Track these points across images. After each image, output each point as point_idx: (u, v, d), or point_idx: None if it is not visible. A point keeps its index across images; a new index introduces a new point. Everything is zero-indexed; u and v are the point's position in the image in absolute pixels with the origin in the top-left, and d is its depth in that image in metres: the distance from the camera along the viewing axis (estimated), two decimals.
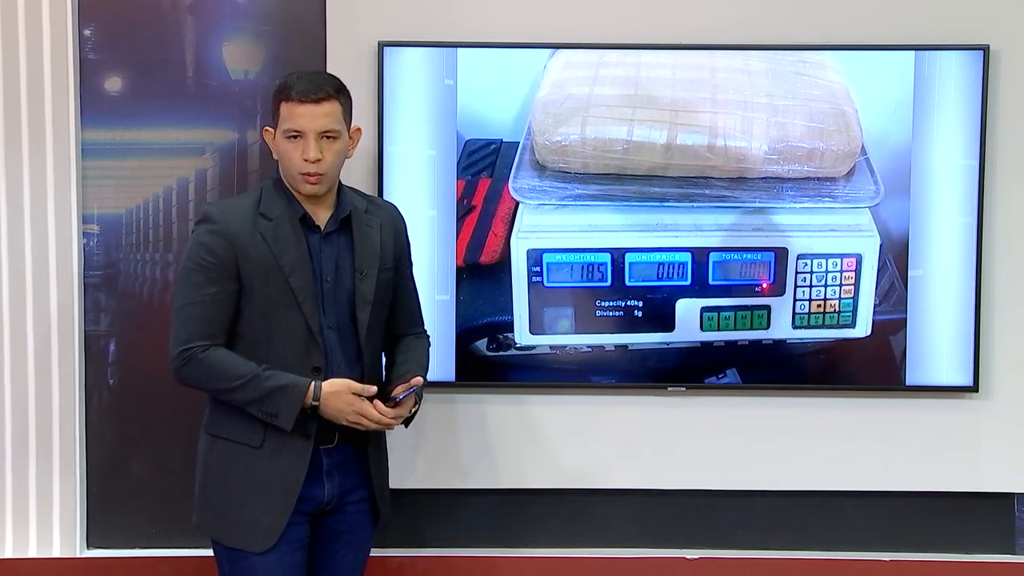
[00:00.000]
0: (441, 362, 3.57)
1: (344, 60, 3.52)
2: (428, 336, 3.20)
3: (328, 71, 3.53)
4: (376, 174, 3.52)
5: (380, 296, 3.00)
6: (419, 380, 2.97)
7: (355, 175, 3.50)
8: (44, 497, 3.61)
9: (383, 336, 3.07)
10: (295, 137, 2.88)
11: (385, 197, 3.51)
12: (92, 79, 3.60)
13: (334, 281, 2.95)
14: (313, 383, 2.86)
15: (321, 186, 2.91)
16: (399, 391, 2.93)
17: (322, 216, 2.96)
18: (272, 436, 2.89)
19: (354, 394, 2.86)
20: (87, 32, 3.60)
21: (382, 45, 3.51)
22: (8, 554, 3.61)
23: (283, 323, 2.88)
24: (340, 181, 3.00)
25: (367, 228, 3.00)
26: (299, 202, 2.94)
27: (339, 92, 2.91)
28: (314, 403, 2.84)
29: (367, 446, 3.03)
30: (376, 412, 2.85)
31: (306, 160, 2.87)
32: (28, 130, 3.55)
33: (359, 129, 3.01)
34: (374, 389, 2.87)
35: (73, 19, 3.56)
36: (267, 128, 2.98)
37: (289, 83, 2.90)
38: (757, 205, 3.55)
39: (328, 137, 2.89)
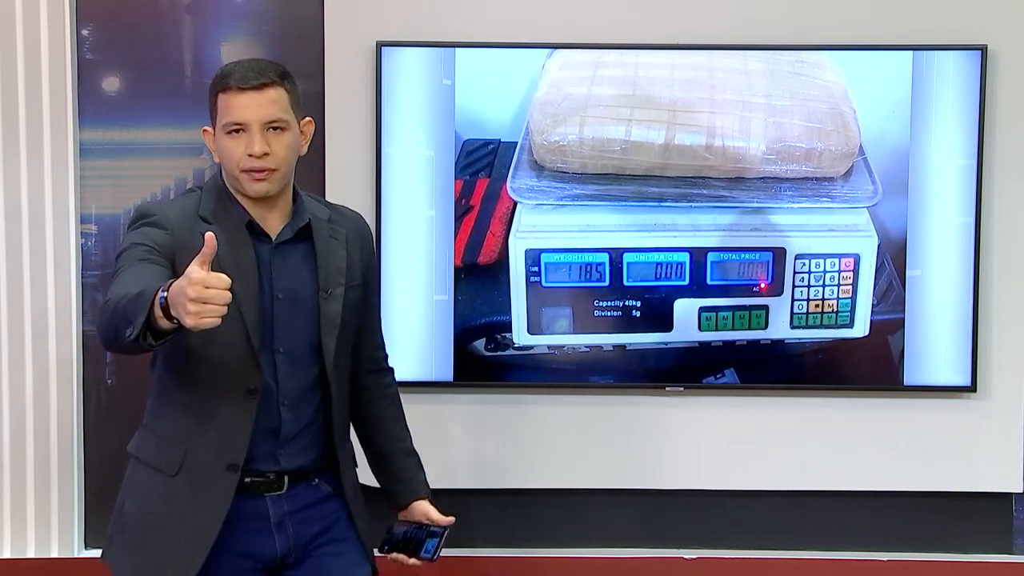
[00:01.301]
0: (439, 362, 3.56)
1: (342, 60, 3.52)
2: (393, 370, 2.82)
3: (327, 71, 3.54)
4: (374, 174, 3.51)
5: (347, 318, 2.60)
6: (451, 520, 2.65)
7: (354, 175, 3.50)
8: (42, 497, 3.61)
9: (348, 367, 2.67)
10: (237, 131, 2.47)
11: (383, 197, 3.51)
12: (90, 79, 3.60)
13: (289, 299, 2.53)
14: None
15: (271, 183, 2.50)
16: (432, 529, 2.61)
17: (273, 224, 2.55)
18: (191, 463, 2.49)
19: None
20: (85, 32, 3.59)
21: (380, 45, 3.50)
22: (6, 554, 3.60)
23: (220, 335, 2.32)
24: (296, 187, 2.60)
25: (331, 239, 2.61)
26: (244, 208, 2.54)
27: (283, 78, 2.52)
28: (163, 295, 2.18)
29: (333, 486, 2.62)
30: (220, 279, 2.15)
31: (251, 155, 2.47)
32: (26, 130, 3.55)
33: (310, 120, 2.61)
34: (225, 280, 2.16)
35: (71, 19, 3.56)
36: (206, 129, 2.57)
37: (225, 72, 2.51)
38: (755, 205, 3.56)
39: (275, 128, 2.49)
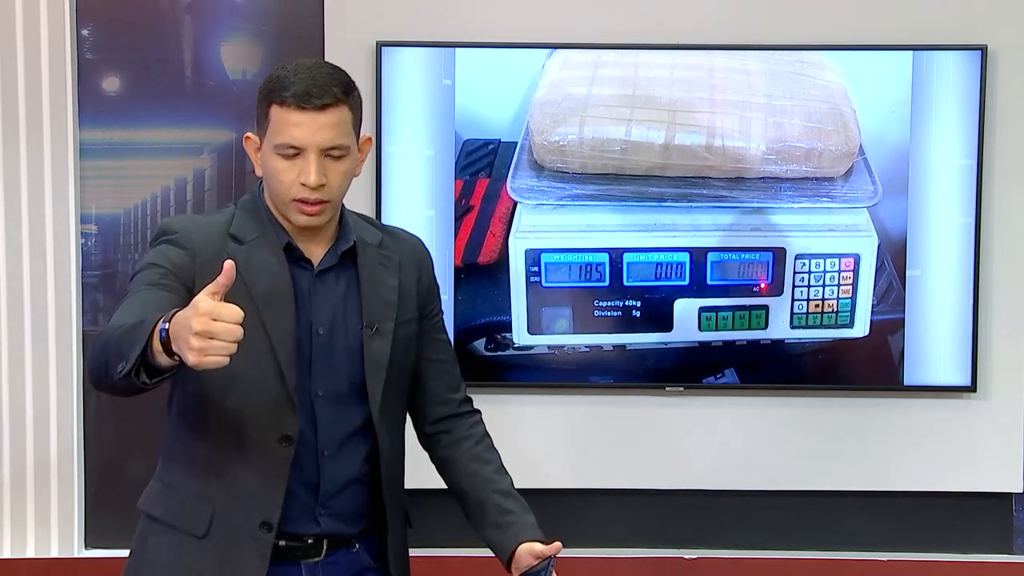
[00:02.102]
0: None
1: (342, 60, 3.48)
2: (479, 413, 2.46)
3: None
4: (374, 174, 3.51)
5: (399, 359, 2.27)
6: (558, 547, 2.29)
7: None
8: (42, 497, 3.61)
9: (405, 412, 2.36)
10: (291, 154, 2.16)
11: (383, 197, 3.51)
12: (90, 79, 3.60)
13: (329, 334, 2.23)
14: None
15: (322, 217, 2.20)
16: (537, 567, 2.26)
17: (316, 251, 2.25)
18: (220, 522, 2.18)
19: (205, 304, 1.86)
20: (85, 32, 3.59)
21: (380, 45, 3.50)
22: (6, 554, 3.60)
23: (248, 373, 2.09)
24: (343, 206, 2.30)
25: (379, 267, 2.29)
26: (285, 230, 2.23)
27: (348, 94, 2.18)
28: (164, 326, 1.89)
29: (374, 554, 2.30)
30: (232, 312, 1.85)
31: (304, 184, 2.15)
32: (26, 130, 3.54)
33: (369, 139, 2.28)
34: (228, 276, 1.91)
35: (71, 19, 3.56)
36: (248, 135, 2.25)
37: (283, 80, 2.16)
38: (755, 205, 3.55)
39: (334, 155, 2.17)
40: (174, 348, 1.86)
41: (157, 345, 1.88)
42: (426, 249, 2.45)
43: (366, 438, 2.25)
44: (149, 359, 1.90)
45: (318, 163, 2.15)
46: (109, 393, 2.04)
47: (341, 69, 2.21)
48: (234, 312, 1.84)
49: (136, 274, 2.20)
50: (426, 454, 2.47)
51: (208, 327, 1.82)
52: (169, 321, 1.88)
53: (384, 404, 2.24)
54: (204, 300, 1.84)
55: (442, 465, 2.41)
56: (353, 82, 2.21)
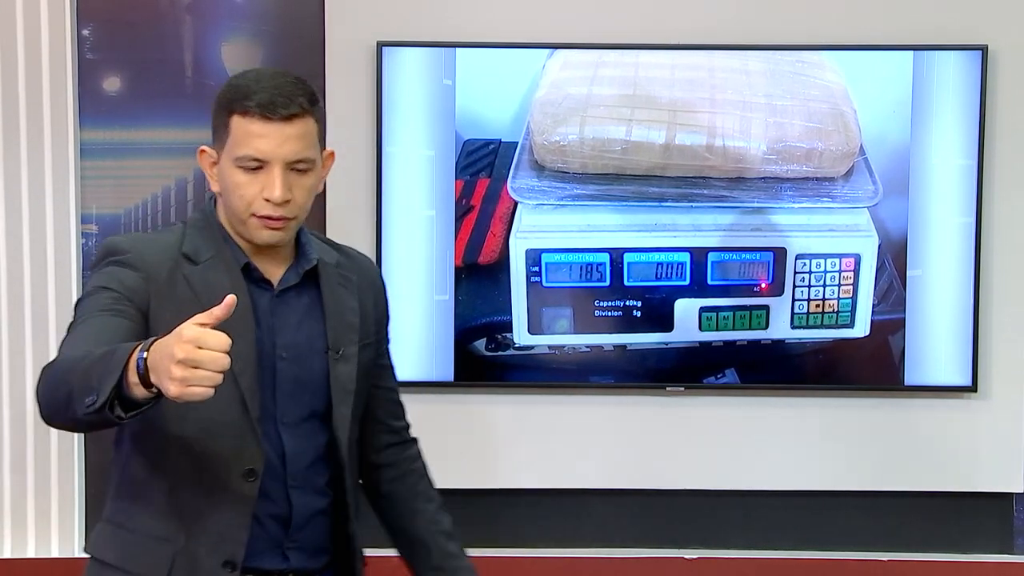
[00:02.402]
0: (440, 362, 3.56)
1: (342, 60, 3.52)
2: (417, 441, 2.37)
3: (327, 71, 3.53)
4: (375, 174, 3.51)
5: (361, 382, 2.17)
6: None
7: (354, 175, 3.50)
8: (42, 497, 3.61)
9: (356, 435, 2.23)
10: (254, 167, 2.03)
11: (384, 198, 3.51)
12: (90, 79, 3.60)
13: (294, 358, 2.10)
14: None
15: (286, 234, 2.08)
16: None
17: (274, 270, 2.12)
18: (182, 565, 2.04)
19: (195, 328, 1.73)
20: (85, 32, 3.59)
21: (380, 45, 3.50)
22: (7, 554, 3.60)
23: (209, 403, 1.81)
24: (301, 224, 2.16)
25: (340, 288, 2.17)
26: (242, 250, 2.10)
27: (314, 104, 2.07)
28: (143, 354, 1.75)
29: None
30: (219, 339, 1.72)
31: (268, 200, 2.03)
32: (26, 130, 3.54)
33: (332, 154, 2.18)
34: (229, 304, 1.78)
35: (71, 19, 3.56)
36: (203, 148, 2.11)
37: (244, 89, 2.03)
38: (756, 205, 3.55)
39: (299, 169, 2.05)
40: (153, 379, 1.73)
41: (133, 376, 1.74)
42: (379, 272, 2.37)
43: (328, 466, 2.14)
44: (124, 391, 1.76)
45: (283, 177, 2.03)
46: (66, 429, 1.91)
47: (304, 80, 2.09)
48: (221, 340, 1.71)
49: (84, 299, 2.03)
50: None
51: (193, 355, 1.69)
52: (148, 350, 1.75)
53: (351, 430, 2.15)
54: (189, 328, 1.72)
55: (385, 500, 2.30)
56: (316, 94, 2.10)
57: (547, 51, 3.53)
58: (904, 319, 3.57)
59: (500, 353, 3.60)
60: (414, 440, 2.36)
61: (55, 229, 3.57)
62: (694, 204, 3.55)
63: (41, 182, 3.56)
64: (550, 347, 3.60)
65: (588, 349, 3.60)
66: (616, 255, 3.56)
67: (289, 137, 2.02)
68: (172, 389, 1.70)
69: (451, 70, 3.52)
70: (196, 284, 2.04)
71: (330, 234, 3.46)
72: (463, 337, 3.57)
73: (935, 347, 3.59)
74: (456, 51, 3.52)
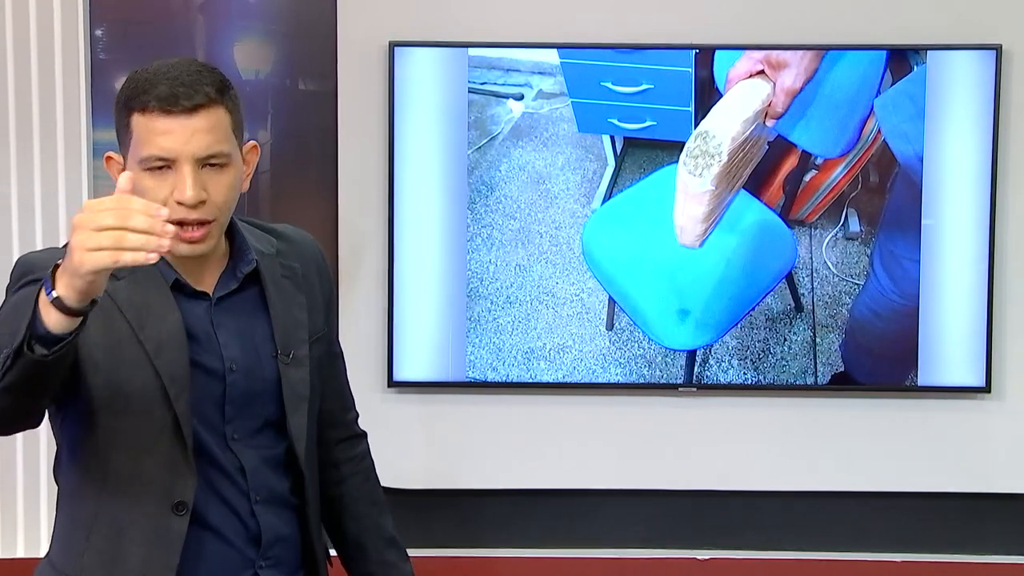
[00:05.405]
0: (454, 363, 3.56)
1: (355, 60, 3.52)
2: (365, 436, 2.22)
3: (339, 71, 3.53)
4: (387, 175, 3.50)
5: (315, 382, 2.01)
6: None
7: (367, 178, 3.50)
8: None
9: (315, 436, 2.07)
10: (160, 168, 1.82)
11: (396, 200, 3.50)
12: (103, 79, 3.60)
13: (243, 369, 1.93)
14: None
15: (208, 243, 1.87)
16: None
17: (207, 278, 1.93)
18: None
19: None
20: (98, 32, 3.60)
21: (393, 45, 3.50)
22: (20, 553, 3.61)
23: (141, 428, 1.80)
24: (233, 217, 1.94)
25: (283, 281, 1.98)
26: (167, 262, 1.88)
27: (223, 92, 1.86)
28: (48, 277, 1.60)
29: None
30: (126, 199, 1.55)
31: (180, 202, 1.81)
32: (39, 131, 3.55)
33: (256, 147, 1.96)
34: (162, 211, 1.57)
35: (84, 19, 3.56)
36: (109, 155, 1.91)
37: (143, 82, 1.82)
38: None
39: (213, 165, 1.84)
40: (62, 283, 1.55)
41: (44, 299, 1.57)
42: (319, 247, 2.12)
43: (286, 475, 1.99)
44: (40, 331, 1.59)
45: (194, 175, 1.81)
46: (4, 423, 1.73)
47: (213, 66, 1.89)
48: (131, 200, 1.53)
49: None
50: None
51: (93, 219, 1.52)
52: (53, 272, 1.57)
53: (308, 437, 2.00)
54: (89, 200, 1.56)
55: (330, 502, 2.14)
56: (227, 80, 1.88)
57: (559, 51, 3.52)
58: (918, 320, 3.56)
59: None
60: (363, 435, 2.21)
61: (68, 229, 3.57)
62: None
63: (54, 182, 3.57)
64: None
65: None
66: None
67: (196, 131, 1.81)
68: (75, 257, 1.53)
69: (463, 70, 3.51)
70: (121, 300, 1.85)
71: (342, 236, 3.50)
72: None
73: (948, 348, 3.57)
74: (468, 51, 3.51)
